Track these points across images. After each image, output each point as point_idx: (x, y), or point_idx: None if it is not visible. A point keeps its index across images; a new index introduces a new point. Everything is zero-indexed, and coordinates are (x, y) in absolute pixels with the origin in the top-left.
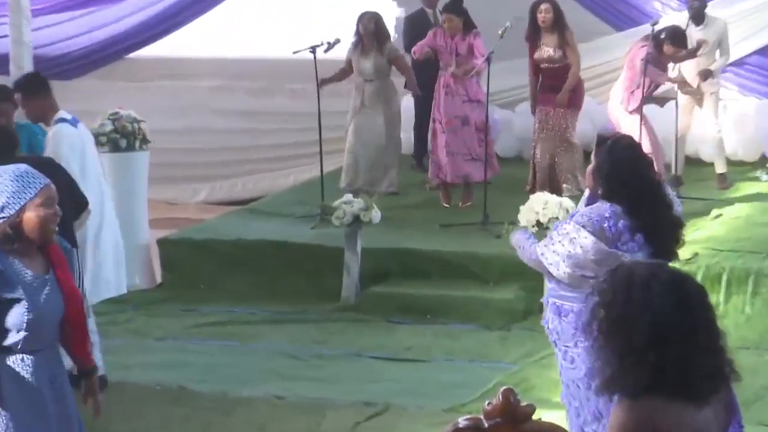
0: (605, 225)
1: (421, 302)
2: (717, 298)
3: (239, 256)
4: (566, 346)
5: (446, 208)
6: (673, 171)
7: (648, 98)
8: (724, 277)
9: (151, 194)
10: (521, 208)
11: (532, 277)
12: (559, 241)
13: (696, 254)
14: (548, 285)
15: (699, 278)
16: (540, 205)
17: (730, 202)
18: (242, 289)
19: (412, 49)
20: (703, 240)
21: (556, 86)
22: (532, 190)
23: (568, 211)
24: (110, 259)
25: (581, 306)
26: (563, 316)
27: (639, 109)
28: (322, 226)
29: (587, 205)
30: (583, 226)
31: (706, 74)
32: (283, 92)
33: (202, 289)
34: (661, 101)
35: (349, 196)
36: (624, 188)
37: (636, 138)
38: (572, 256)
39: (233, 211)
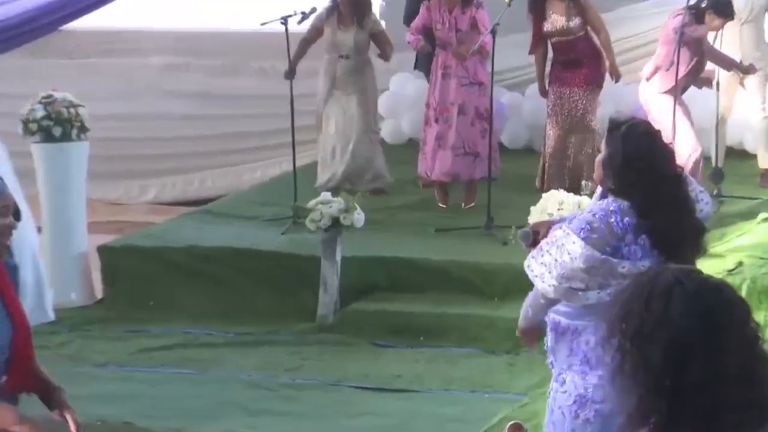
0: (611, 220)
1: (412, 322)
2: (765, 316)
3: (196, 266)
4: (561, 368)
5: (443, 210)
6: (713, 163)
7: (688, 79)
8: None
9: (90, 192)
10: (532, 209)
11: None
12: (548, 251)
13: (740, 264)
14: None
15: (744, 292)
16: (554, 205)
17: None
18: (199, 306)
19: (407, 38)
20: (748, 247)
21: (574, 61)
22: (544, 188)
23: None
24: (28, 281)
25: (579, 324)
26: (560, 333)
27: (673, 90)
28: (294, 231)
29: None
30: (590, 225)
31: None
32: (249, 71)
33: (151, 306)
34: (699, 82)
35: (326, 196)
36: (639, 182)
37: (669, 124)
38: (558, 265)
39: (188, 212)
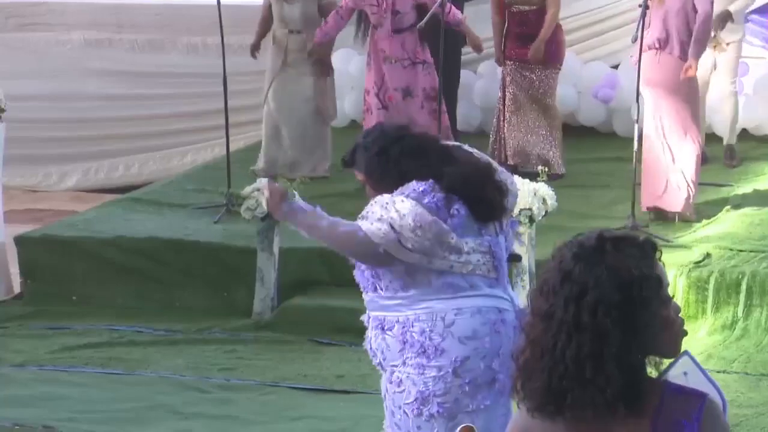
0: (425, 201)
1: (356, 318)
2: (734, 311)
3: (122, 258)
4: (393, 366)
5: None
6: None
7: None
8: (744, 286)
9: (6, 178)
10: None
11: None
12: (371, 210)
13: (708, 255)
14: (366, 297)
15: (711, 285)
16: None
17: (752, 189)
18: (126, 302)
19: (317, 37)
20: (716, 237)
21: (530, 36)
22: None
23: (545, 200)
24: None
25: (410, 314)
26: (387, 330)
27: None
28: (228, 221)
29: None
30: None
31: (724, 18)
32: (178, 47)
33: (73, 301)
34: None
35: (263, 182)
36: (403, 167)
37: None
38: (388, 218)
39: (114, 201)
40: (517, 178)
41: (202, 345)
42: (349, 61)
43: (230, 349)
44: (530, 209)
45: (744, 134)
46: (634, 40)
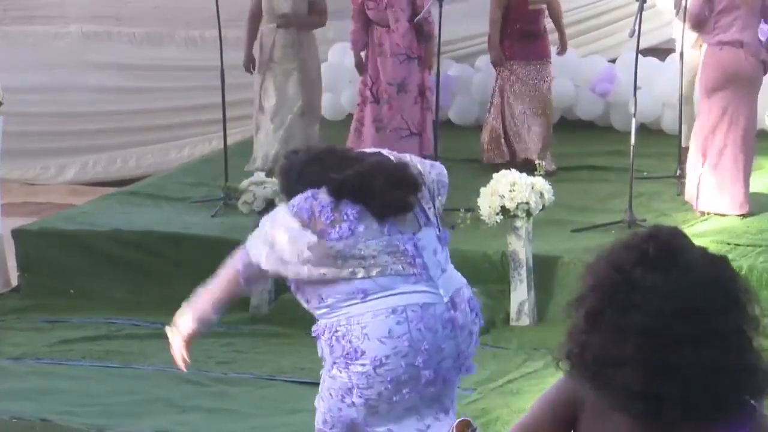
0: (303, 208)
1: None
2: None
3: (119, 252)
4: (332, 363)
5: None
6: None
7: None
8: None
9: (4, 171)
10: (482, 190)
11: (496, 280)
12: (263, 223)
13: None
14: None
15: None
16: (506, 186)
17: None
18: (123, 295)
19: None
20: (714, 231)
21: (533, 34)
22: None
23: (542, 194)
24: None
25: (332, 321)
26: (320, 336)
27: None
28: (226, 214)
29: None
30: (294, 206)
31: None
32: (177, 40)
33: (71, 294)
34: (662, 54)
35: (260, 176)
36: (301, 177)
37: None
38: (268, 234)
39: (111, 194)
40: (514, 173)
41: (199, 339)
42: (345, 55)
43: (227, 343)
44: (527, 203)
45: None
46: (632, 35)
